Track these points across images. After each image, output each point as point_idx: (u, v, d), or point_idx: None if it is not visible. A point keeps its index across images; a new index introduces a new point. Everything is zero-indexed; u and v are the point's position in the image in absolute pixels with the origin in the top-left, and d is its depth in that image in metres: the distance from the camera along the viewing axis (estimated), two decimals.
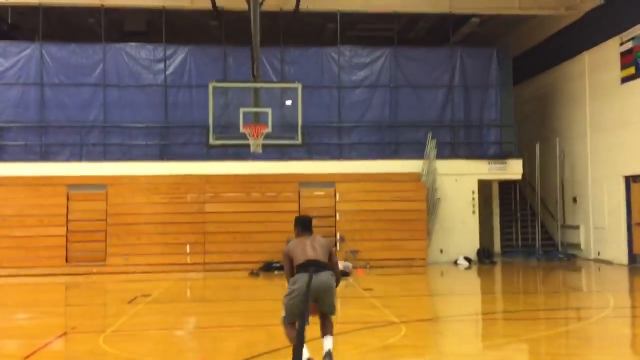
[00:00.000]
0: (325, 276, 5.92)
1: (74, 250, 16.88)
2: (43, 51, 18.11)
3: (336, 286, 6.10)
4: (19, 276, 16.06)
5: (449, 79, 19.30)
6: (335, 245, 17.44)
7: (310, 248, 6.01)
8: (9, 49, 18.20)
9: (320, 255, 6.00)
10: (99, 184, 17.21)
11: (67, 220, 16.95)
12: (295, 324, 5.86)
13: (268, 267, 16.55)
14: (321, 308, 6.03)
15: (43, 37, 18.17)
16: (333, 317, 6.17)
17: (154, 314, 10.40)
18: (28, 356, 7.05)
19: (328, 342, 5.95)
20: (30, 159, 17.73)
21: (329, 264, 6.03)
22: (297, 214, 17.16)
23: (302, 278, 5.82)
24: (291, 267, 6.04)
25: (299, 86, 15.26)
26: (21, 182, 17.09)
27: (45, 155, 17.89)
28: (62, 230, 16.86)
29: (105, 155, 18.06)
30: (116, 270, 16.55)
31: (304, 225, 6.30)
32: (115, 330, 8.60)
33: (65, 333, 8.76)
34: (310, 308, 5.85)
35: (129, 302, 11.36)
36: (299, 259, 5.95)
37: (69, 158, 17.90)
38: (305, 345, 5.70)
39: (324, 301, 5.97)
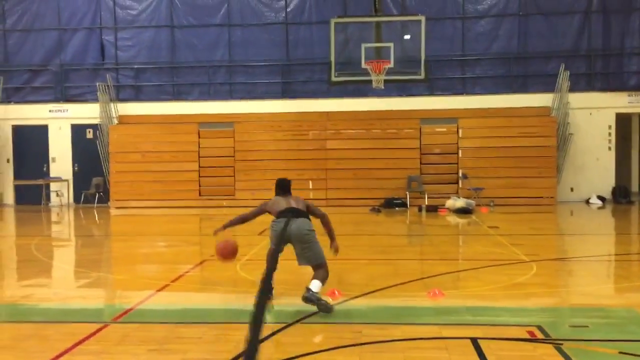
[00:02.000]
0: (300, 221, 6.03)
1: (206, 185, 17.94)
2: None
3: (331, 231, 6.39)
4: (158, 207, 17.40)
5: (586, 3, 17.75)
6: (458, 182, 17.13)
7: (290, 201, 6.27)
8: None
9: (300, 207, 6.21)
10: (227, 122, 17.99)
11: (199, 156, 17.97)
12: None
13: (389, 204, 16.64)
14: (302, 256, 6.11)
15: None
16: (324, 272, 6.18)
17: None
18: (175, 280, 7.70)
19: (313, 283, 5.91)
20: (163, 98, 18.83)
21: (306, 212, 6.19)
22: (418, 151, 17.20)
23: (279, 223, 6.05)
24: (255, 215, 6.48)
25: (423, 18, 14.75)
26: (157, 120, 18.29)
27: (177, 94, 18.90)
28: (195, 166, 17.93)
29: (231, 94, 18.74)
30: (244, 204, 17.33)
31: (282, 187, 6.48)
32: (250, 259, 9.14)
33: (204, 260, 9.43)
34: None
35: (259, 233, 11.97)
36: (281, 208, 6.18)
37: (199, 97, 18.78)
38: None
39: (303, 246, 6.03)
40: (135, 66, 18.98)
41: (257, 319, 3.74)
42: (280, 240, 5.93)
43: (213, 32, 18.86)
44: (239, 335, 5.17)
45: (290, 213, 6.09)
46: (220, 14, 18.80)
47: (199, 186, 17.96)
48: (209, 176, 17.94)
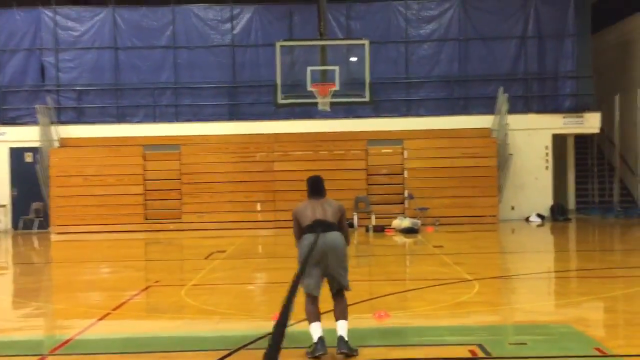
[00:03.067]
0: (333, 236, 5.34)
1: (152, 208, 17.62)
2: (115, 15, 18.60)
3: (347, 245, 5.57)
4: (101, 232, 16.95)
5: (522, 29, 18.53)
6: (404, 202, 17.41)
7: (320, 209, 5.47)
8: (83, 14, 18.81)
9: (330, 216, 5.44)
10: (173, 144, 17.77)
11: (144, 180, 17.65)
12: (315, 299, 5.32)
13: None
14: (331, 278, 5.38)
15: (115, 0, 18.64)
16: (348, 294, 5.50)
17: (230, 269, 10.78)
18: (117, 308, 7.50)
19: (342, 327, 5.24)
20: (107, 120, 18.47)
21: (337, 224, 5.46)
22: (365, 172, 17.41)
23: (308, 239, 5.31)
24: (299, 230, 5.52)
25: (367, 42, 15.04)
26: (100, 143, 17.91)
27: (121, 117, 18.58)
28: (140, 189, 17.59)
29: (177, 116, 18.57)
30: (191, 227, 17.19)
31: (313, 186, 5.65)
32: (196, 284, 9.00)
33: (148, 287, 9.24)
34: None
35: (206, 257, 11.83)
36: (307, 220, 5.43)
37: (144, 119, 18.53)
38: (318, 323, 5.22)
39: (333, 267, 5.33)
40: (77, 88, 18.58)
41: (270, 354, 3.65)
42: (306, 260, 5.14)
43: (158, 54, 18.70)
44: None
45: (319, 227, 5.33)
46: (165, 35, 18.68)
47: (145, 210, 17.61)
48: (154, 199, 17.63)
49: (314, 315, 5.27)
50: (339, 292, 5.42)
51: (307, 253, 5.18)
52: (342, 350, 5.10)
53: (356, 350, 5.19)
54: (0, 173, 18.17)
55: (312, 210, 5.47)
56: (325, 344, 5.10)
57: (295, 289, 4.72)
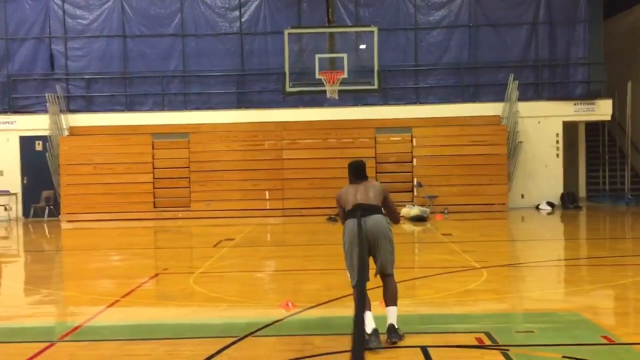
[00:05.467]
0: (375, 219, 5.19)
1: (160, 196, 17.69)
2: (124, 3, 18.57)
3: (394, 224, 5.54)
4: (111, 220, 17.04)
5: (533, 15, 18.32)
6: (413, 190, 17.36)
7: (361, 192, 5.34)
8: (91, 2, 18.78)
9: (372, 199, 5.31)
10: (181, 133, 17.80)
11: (154, 168, 17.71)
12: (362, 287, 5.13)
13: None
14: (378, 262, 5.27)
15: None
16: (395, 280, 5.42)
17: (238, 257, 10.82)
18: (125, 295, 7.55)
19: (392, 315, 5.19)
20: (116, 109, 18.52)
21: (379, 207, 5.33)
22: (374, 160, 17.37)
23: (350, 224, 5.22)
24: (344, 214, 5.41)
25: (375, 29, 14.96)
26: (109, 131, 17.95)
27: (130, 105, 18.61)
28: (149, 177, 17.65)
29: (185, 104, 18.57)
30: (200, 215, 17.24)
31: (355, 170, 5.55)
32: (204, 272, 9.04)
33: (157, 274, 9.29)
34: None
35: (214, 245, 11.87)
36: (349, 204, 5.33)
37: (152, 108, 18.55)
38: (370, 313, 5.10)
39: (379, 251, 5.21)
40: (86, 76, 18.62)
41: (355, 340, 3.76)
42: (358, 244, 5.06)
43: (166, 42, 18.68)
44: (189, 351, 5.11)
45: (360, 211, 5.19)
46: (173, 23, 18.64)
47: (154, 198, 17.68)
48: (163, 188, 17.69)
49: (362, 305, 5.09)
50: (386, 275, 5.32)
51: (352, 239, 5.10)
52: (393, 340, 5.08)
53: (403, 336, 5.19)
54: (10, 161, 18.28)
55: (353, 194, 5.36)
56: (379, 336, 5.03)
57: (363, 279, 4.86)
